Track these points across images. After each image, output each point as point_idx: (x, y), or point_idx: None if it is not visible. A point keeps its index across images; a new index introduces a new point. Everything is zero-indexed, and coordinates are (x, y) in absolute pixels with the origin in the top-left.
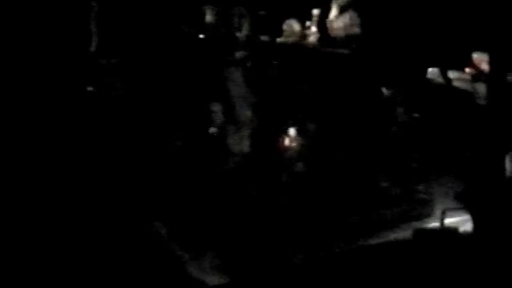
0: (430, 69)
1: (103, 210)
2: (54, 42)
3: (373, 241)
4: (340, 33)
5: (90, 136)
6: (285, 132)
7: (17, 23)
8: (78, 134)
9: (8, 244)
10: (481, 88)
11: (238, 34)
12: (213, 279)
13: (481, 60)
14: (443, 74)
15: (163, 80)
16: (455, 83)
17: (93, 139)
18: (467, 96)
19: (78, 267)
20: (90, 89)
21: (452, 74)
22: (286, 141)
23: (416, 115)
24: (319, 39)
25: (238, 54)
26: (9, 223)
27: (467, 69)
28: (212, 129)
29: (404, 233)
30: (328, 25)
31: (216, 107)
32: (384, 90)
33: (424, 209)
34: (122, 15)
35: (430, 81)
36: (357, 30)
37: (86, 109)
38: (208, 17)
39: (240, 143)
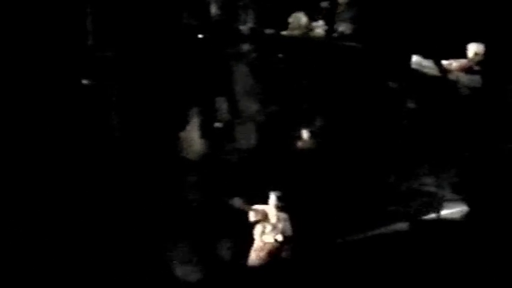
0: (414, 59)
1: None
2: (50, 35)
3: (379, 234)
4: (349, 25)
5: (87, 130)
6: (292, 127)
7: (11, 16)
8: (75, 127)
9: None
10: (464, 79)
11: (242, 27)
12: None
13: (476, 50)
14: (438, 65)
15: (165, 74)
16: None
17: (90, 133)
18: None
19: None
20: (85, 82)
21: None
22: (293, 136)
23: (416, 107)
24: (327, 32)
25: (243, 48)
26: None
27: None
28: (217, 124)
29: (409, 226)
30: (336, 17)
31: (220, 102)
32: (391, 83)
33: (431, 203)
34: (120, 6)
35: (421, 72)
36: (365, 23)
37: (82, 103)
38: (213, 10)
39: (245, 137)
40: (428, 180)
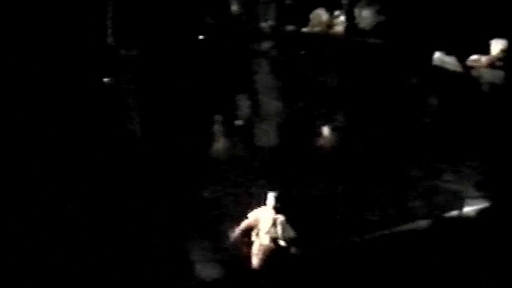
0: (436, 56)
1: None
2: (72, 34)
3: (400, 231)
4: (370, 22)
5: (109, 127)
6: (313, 123)
7: (35, 16)
8: (97, 125)
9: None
10: (486, 74)
11: (263, 24)
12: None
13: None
14: (461, 61)
15: (187, 72)
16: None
17: (112, 131)
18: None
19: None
20: (107, 80)
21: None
22: (314, 132)
23: (438, 103)
24: (348, 29)
25: (264, 45)
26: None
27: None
28: (237, 122)
29: (431, 224)
30: (357, 14)
31: (241, 99)
32: (413, 79)
33: (452, 200)
34: (141, 5)
35: (443, 69)
36: (386, 18)
37: (104, 100)
38: (234, 8)
39: (265, 134)
40: (450, 177)
